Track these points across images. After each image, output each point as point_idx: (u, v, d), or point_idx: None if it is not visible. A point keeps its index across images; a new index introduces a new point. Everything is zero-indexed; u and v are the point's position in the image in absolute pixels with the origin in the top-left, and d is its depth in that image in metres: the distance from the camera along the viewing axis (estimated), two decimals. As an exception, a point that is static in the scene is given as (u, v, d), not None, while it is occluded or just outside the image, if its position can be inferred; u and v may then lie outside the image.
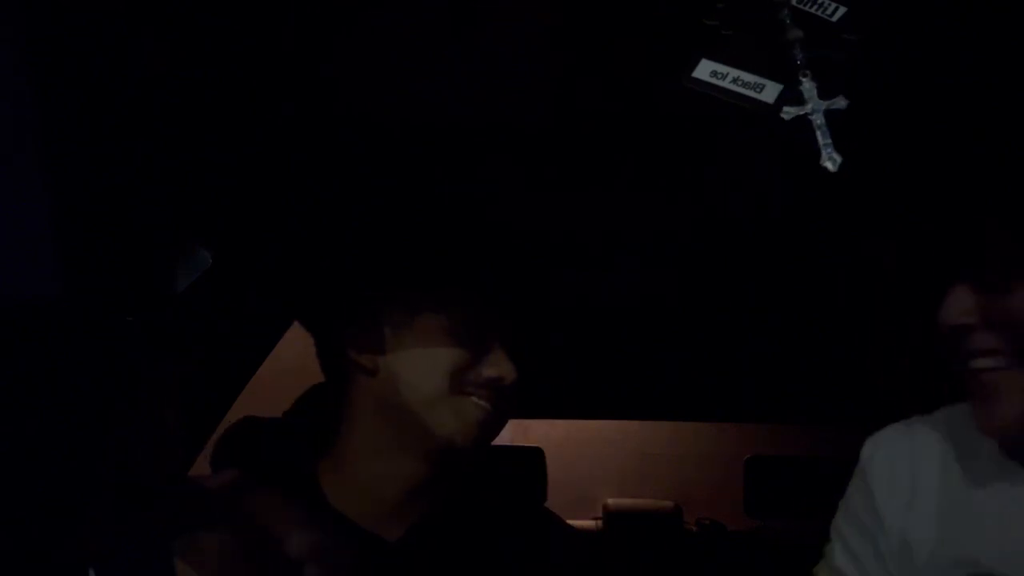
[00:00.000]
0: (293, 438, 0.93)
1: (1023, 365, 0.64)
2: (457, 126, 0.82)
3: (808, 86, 0.59)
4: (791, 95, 0.60)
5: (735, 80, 0.61)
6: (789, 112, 0.60)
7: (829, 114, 0.59)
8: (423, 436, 0.86)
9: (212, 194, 0.92)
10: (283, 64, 0.70)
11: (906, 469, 0.75)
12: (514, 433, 3.73)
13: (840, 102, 0.59)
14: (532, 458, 1.58)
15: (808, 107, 0.59)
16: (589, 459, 3.81)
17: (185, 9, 0.61)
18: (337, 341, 0.92)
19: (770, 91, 0.61)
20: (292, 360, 1.00)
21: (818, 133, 0.58)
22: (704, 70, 0.61)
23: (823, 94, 0.59)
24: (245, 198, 0.97)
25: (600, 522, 3.28)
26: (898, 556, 0.73)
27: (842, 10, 0.57)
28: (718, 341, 1.58)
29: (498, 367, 0.88)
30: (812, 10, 0.57)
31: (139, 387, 0.47)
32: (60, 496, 0.43)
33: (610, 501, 3.34)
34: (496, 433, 0.92)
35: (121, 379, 0.46)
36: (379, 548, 0.86)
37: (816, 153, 0.58)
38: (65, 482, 0.43)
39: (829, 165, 0.57)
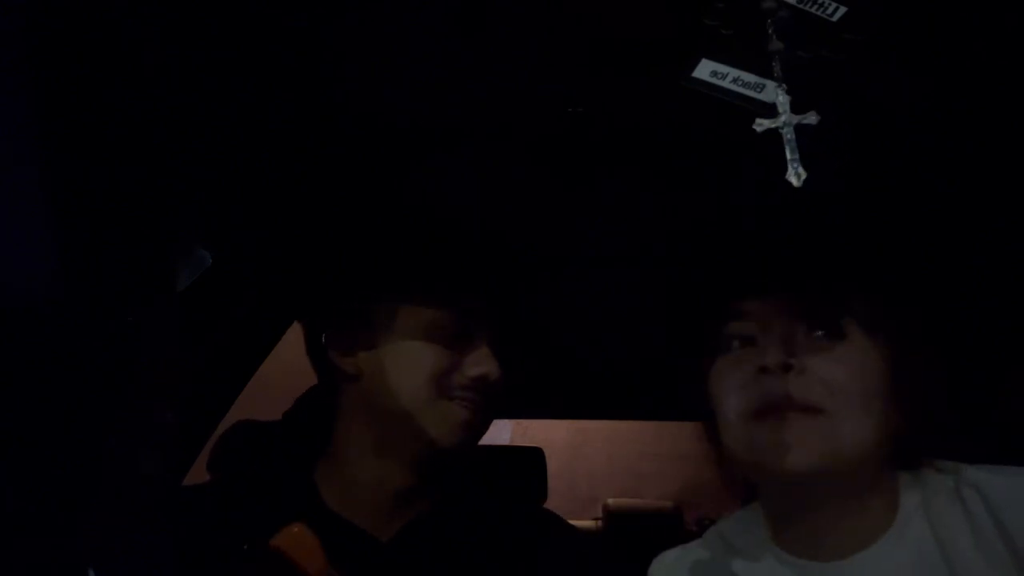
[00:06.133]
0: (289, 440, 0.93)
1: (821, 414, 0.71)
2: (453, 127, 0.82)
3: (782, 100, 0.59)
4: (770, 108, 0.60)
5: (735, 80, 0.61)
6: (762, 124, 0.60)
7: (800, 128, 0.59)
8: (408, 440, 0.85)
9: (212, 194, 0.92)
10: (284, 64, 0.70)
11: None
12: (514, 433, 3.73)
13: (811, 117, 0.59)
14: (532, 458, 1.58)
15: (780, 120, 0.59)
16: (589, 459, 3.81)
17: (185, 8, 0.61)
18: (321, 345, 0.92)
19: (770, 91, 0.61)
20: (292, 360, 1.00)
21: (787, 148, 0.58)
22: (704, 70, 0.61)
23: (796, 108, 0.59)
24: (244, 198, 0.97)
25: (600, 522, 3.28)
26: None
27: (842, 10, 0.57)
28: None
29: (482, 366, 0.86)
30: (812, 10, 0.57)
31: (139, 388, 0.47)
32: (60, 496, 0.43)
33: (610, 501, 3.34)
34: (482, 432, 0.91)
35: (121, 380, 0.46)
36: (373, 547, 0.86)
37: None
38: (65, 482, 0.43)
39: (793, 180, 0.57)
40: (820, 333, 0.75)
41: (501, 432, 3.70)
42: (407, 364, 0.86)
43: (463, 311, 0.87)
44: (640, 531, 3.03)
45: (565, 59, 0.69)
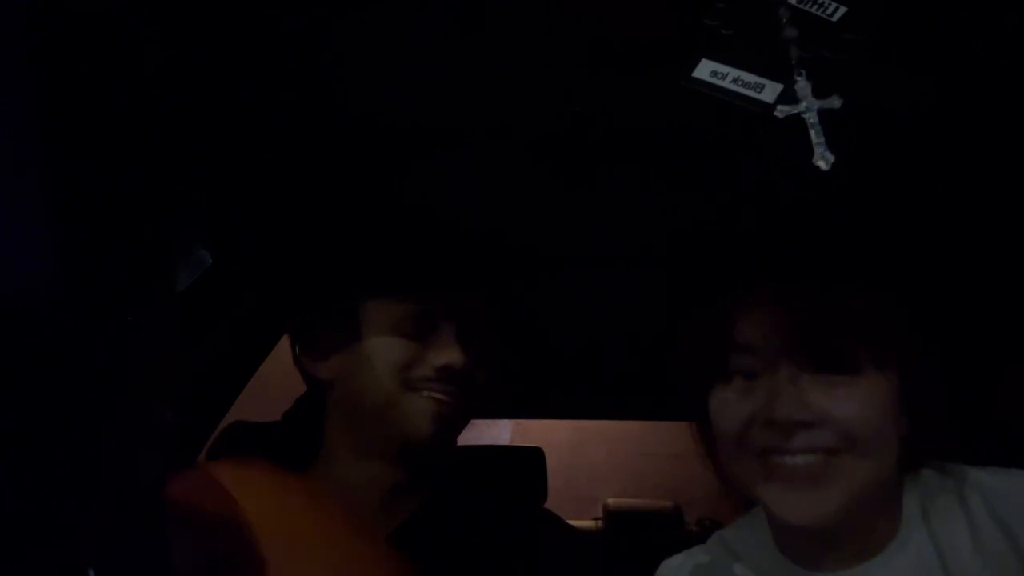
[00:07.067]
0: (286, 441, 0.94)
1: (834, 456, 0.68)
2: (453, 127, 0.82)
3: (803, 84, 0.59)
4: (789, 94, 0.60)
5: (735, 80, 0.61)
6: (783, 110, 0.60)
7: (823, 113, 0.58)
8: (385, 437, 0.86)
9: (212, 194, 0.92)
10: (284, 64, 0.70)
11: None
12: (514, 433, 3.73)
13: (834, 101, 0.59)
14: (532, 458, 1.58)
15: (802, 106, 0.59)
16: (589, 459, 3.81)
17: (185, 8, 0.61)
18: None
19: (770, 91, 0.61)
20: (292, 360, 1.00)
21: (811, 132, 0.58)
22: (704, 70, 0.61)
23: (817, 93, 0.59)
24: (244, 198, 0.97)
25: (600, 522, 3.28)
26: None
27: (842, 10, 0.57)
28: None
29: (445, 355, 0.86)
30: (812, 10, 0.57)
31: (139, 388, 0.47)
32: (60, 496, 0.43)
33: (610, 501, 3.34)
34: (459, 425, 0.90)
35: (121, 380, 0.46)
36: None
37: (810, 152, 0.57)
38: (65, 482, 0.43)
39: (822, 164, 0.57)
40: (828, 368, 0.70)
41: (501, 432, 3.69)
42: (372, 360, 0.86)
43: (428, 305, 0.88)
44: (640, 531, 3.03)
45: (565, 59, 0.69)
